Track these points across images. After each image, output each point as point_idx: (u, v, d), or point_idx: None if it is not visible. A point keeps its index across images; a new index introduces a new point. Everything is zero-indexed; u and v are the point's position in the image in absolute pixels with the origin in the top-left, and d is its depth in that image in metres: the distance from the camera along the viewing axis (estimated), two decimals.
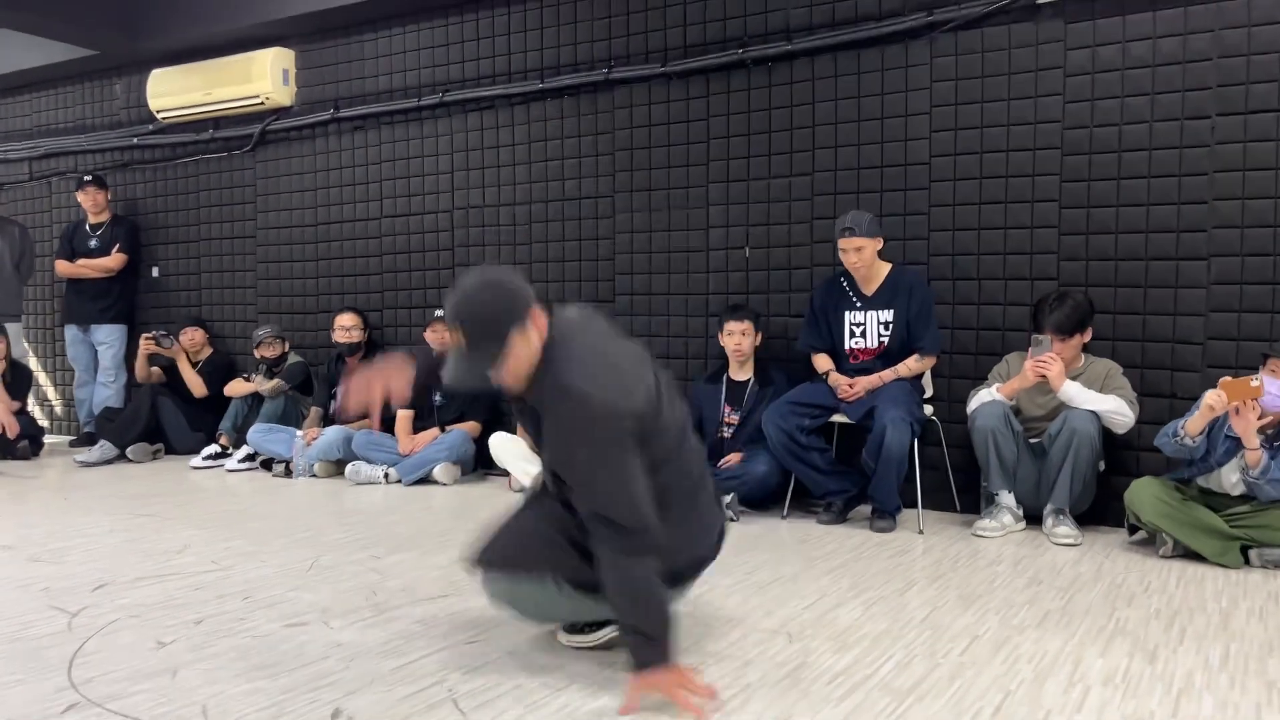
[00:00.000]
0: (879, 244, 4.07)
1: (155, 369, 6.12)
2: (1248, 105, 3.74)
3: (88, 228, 6.55)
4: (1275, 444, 3.30)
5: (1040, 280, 4.11)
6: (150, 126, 6.63)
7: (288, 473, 5.30)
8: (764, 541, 3.69)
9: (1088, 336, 3.82)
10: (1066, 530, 3.63)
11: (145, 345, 5.97)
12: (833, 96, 4.52)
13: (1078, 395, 3.70)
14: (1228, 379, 3.26)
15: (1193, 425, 3.31)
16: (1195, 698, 2.12)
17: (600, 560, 2.03)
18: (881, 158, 4.42)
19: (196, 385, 5.98)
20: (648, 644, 2.00)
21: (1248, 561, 3.27)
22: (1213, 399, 3.24)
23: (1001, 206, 4.18)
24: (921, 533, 3.84)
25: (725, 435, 4.44)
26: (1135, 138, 3.92)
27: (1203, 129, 3.81)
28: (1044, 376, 3.70)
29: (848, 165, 4.50)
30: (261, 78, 5.98)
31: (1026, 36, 4.11)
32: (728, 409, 4.45)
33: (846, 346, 4.18)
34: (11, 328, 6.26)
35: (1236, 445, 3.29)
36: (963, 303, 4.28)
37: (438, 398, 5.23)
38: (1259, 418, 3.21)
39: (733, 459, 4.28)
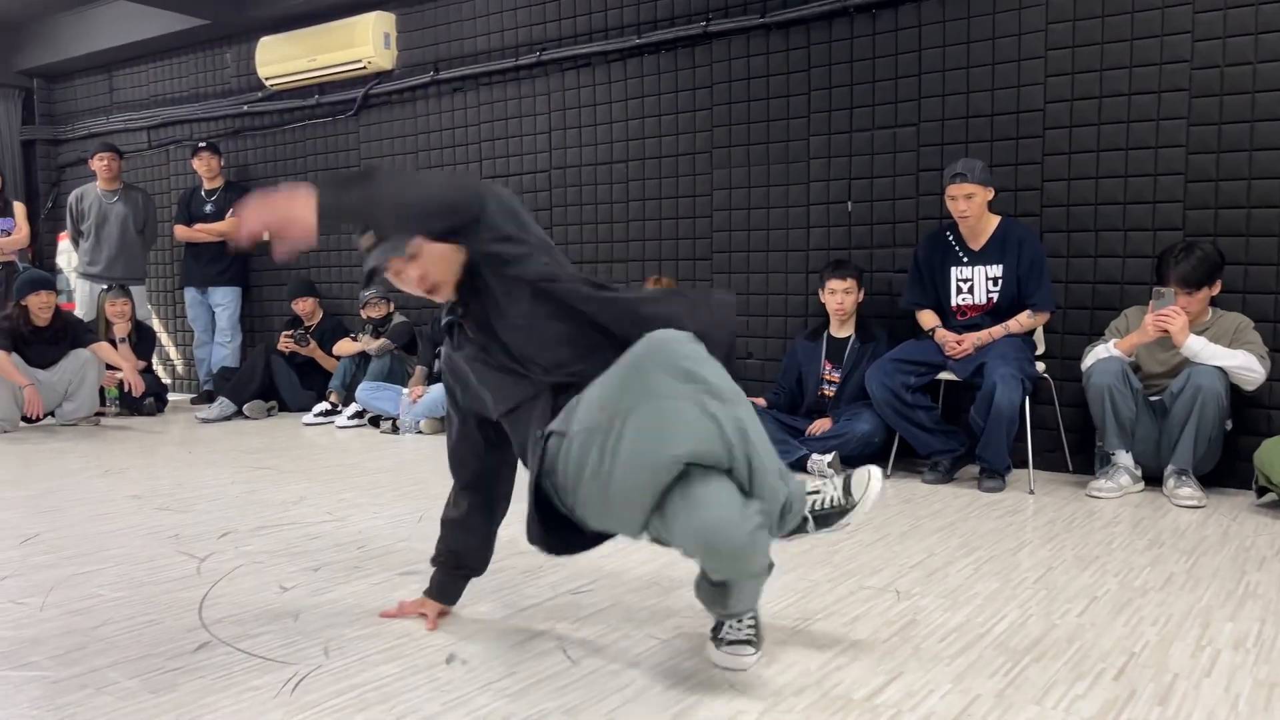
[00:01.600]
0: (990, 194, 3.93)
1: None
2: None
3: (203, 193, 6.80)
4: None
5: (1164, 230, 3.91)
6: (259, 94, 6.83)
7: (394, 429, 5.45)
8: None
9: (1216, 289, 3.63)
10: (1189, 492, 3.48)
11: (285, 344, 6.17)
12: (940, 43, 4.36)
13: (1202, 350, 3.52)
14: None
15: None
16: None
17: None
18: (992, 105, 4.25)
19: (333, 366, 6.17)
20: (352, 193, 1.75)
21: None
22: None
23: (1122, 153, 3.98)
24: (1032, 493, 3.73)
25: (826, 393, 4.38)
26: (1270, 77, 3.68)
27: None
28: (1165, 331, 3.54)
29: (955, 114, 4.34)
30: (364, 42, 6.08)
31: None
32: (828, 366, 4.38)
33: (953, 303, 4.07)
34: (136, 290, 6.57)
35: None
36: (1078, 255, 4.11)
37: None
38: None
39: (823, 424, 4.21)
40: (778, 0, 4.76)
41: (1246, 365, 3.48)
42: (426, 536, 3.11)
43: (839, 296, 4.29)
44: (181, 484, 4.01)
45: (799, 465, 4.12)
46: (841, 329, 4.38)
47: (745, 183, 4.93)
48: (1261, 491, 3.42)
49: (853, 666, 2.02)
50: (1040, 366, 4.00)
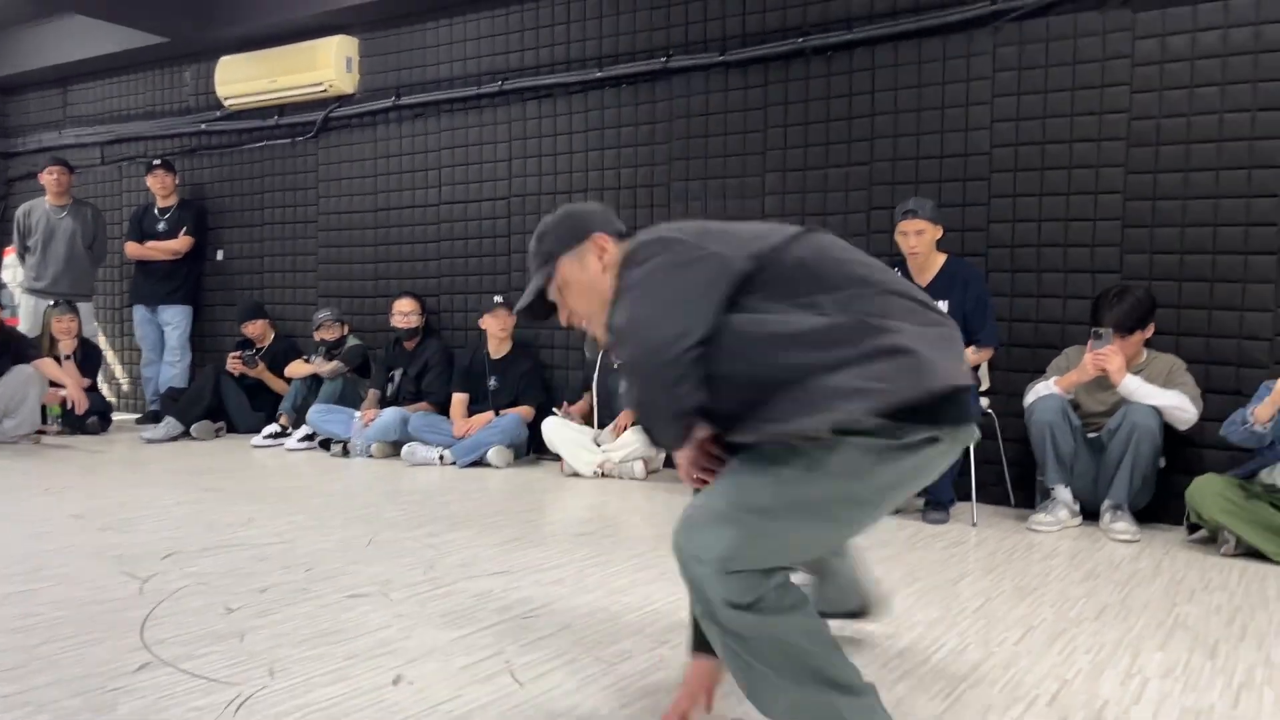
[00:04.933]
0: (939, 232, 4.04)
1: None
2: None
3: (156, 211, 6.73)
4: None
5: (1102, 273, 4.05)
6: (218, 113, 6.79)
7: (345, 453, 5.41)
8: None
9: (1149, 333, 3.76)
10: (1124, 526, 3.58)
11: (233, 365, 6.10)
12: (892, 86, 4.49)
13: (1139, 390, 3.64)
14: None
15: (1262, 412, 3.27)
16: (1256, 692, 2.09)
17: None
18: (941, 148, 4.38)
19: (283, 389, 6.11)
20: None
21: None
22: None
23: (1063, 198, 4.12)
24: (975, 526, 3.81)
25: None
26: (1204, 129, 3.85)
27: (1275, 121, 3.72)
28: (1104, 370, 3.65)
29: (906, 155, 4.46)
30: (325, 65, 6.10)
31: (1093, 25, 4.04)
32: None
33: None
34: (83, 307, 6.47)
35: None
36: (1021, 295, 4.23)
37: (492, 382, 5.30)
38: None
39: None
40: (737, 39, 4.87)
41: (1180, 405, 3.61)
42: (375, 560, 3.10)
43: None
44: (124, 504, 3.95)
45: None
46: None
47: (701, 216, 5.01)
48: (1193, 528, 3.53)
49: None
50: (984, 402, 4.11)
